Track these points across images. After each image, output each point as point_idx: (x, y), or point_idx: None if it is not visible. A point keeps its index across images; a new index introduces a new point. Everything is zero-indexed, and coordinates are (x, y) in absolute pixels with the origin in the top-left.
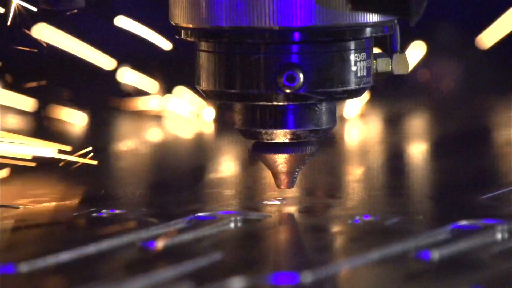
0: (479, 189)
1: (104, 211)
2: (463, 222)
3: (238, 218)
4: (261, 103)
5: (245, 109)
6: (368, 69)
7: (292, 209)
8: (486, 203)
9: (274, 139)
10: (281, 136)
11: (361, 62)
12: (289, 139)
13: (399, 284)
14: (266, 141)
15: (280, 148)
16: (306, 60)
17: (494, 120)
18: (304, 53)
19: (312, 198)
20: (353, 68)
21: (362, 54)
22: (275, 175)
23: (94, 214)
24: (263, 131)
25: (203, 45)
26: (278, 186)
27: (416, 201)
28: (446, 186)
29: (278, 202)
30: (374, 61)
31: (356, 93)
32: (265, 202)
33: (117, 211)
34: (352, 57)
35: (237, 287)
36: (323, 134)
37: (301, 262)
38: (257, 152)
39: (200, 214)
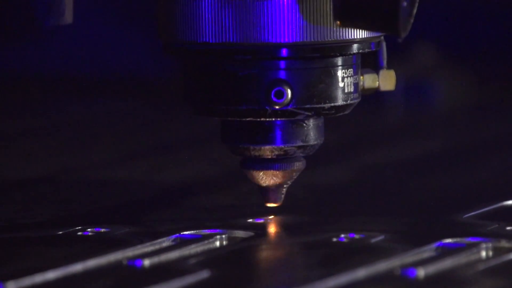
0: (463, 207)
1: (89, 229)
2: (448, 240)
3: (224, 236)
4: (249, 119)
5: (233, 125)
6: (356, 85)
7: (277, 227)
8: (470, 221)
9: (261, 155)
10: (269, 152)
11: (349, 78)
12: (277, 155)
13: None
14: (253, 157)
15: (267, 164)
16: (294, 76)
17: (479, 136)
18: (292, 69)
19: (297, 216)
20: (341, 84)
21: (349, 70)
22: (262, 190)
23: (79, 233)
24: (251, 147)
25: (191, 61)
26: (265, 201)
27: (400, 219)
28: (431, 203)
29: (262, 220)
30: (361, 77)
31: (344, 109)
32: (249, 220)
33: (102, 230)
34: (340, 73)
35: None
36: (311, 150)
37: (287, 280)
38: (245, 168)
39: (185, 232)
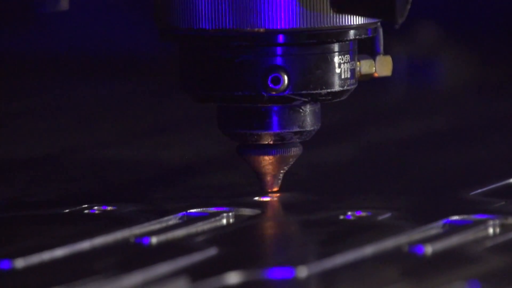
0: (470, 184)
1: (96, 207)
2: (455, 217)
3: (230, 214)
4: (246, 105)
5: (230, 111)
6: (352, 71)
7: (283, 204)
8: (477, 199)
9: (258, 141)
10: (266, 137)
11: (345, 64)
12: (274, 140)
13: (394, 279)
14: (250, 142)
15: (264, 149)
16: (291, 62)
17: (484, 114)
18: (289, 55)
19: (303, 194)
20: (337, 70)
21: (346, 56)
22: (260, 176)
23: (86, 211)
24: (248, 133)
25: (188, 48)
26: (262, 187)
27: (407, 197)
28: (437, 181)
29: (269, 198)
30: (358, 63)
31: (340, 94)
32: (256, 198)
33: (109, 208)
34: (336, 59)
35: (233, 282)
36: (307, 136)
37: (296, 257)
38: (242, 154)
39: (191, 210)
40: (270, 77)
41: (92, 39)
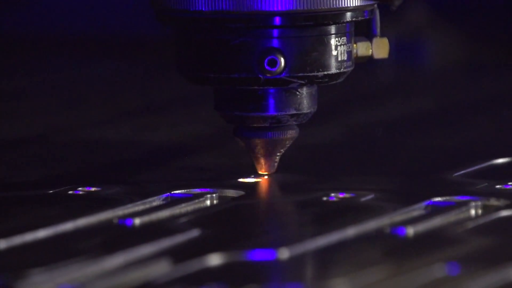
0: (453, 166)
1: (80, 188)
2: (438, 199)
3: (214, 195)
4: (242, 87)
5: (226, 94)
6: (349, 53)
7: (267, 186)
8: (460, 180)
9: (255, 123)
10: (262, 120)
11: (342, 46)
12: (270, 123)
13: (376, 260)
14: (247, 125)
15: (260, 132)
16: (287, 45)
17: (470, 96)
18: (285, 38)
19: (288, 175)
20: (334, 53)
21: (342, 38)
22: (256, 159)
23: (70, 192)
24: (244, 115)
25: (184, 30)
26: (258, 169)
27: (391, 178)
28: (422, 162)
29: (253, 179)
30: (355, 45)
31: (337, 77)
32: (240, 179)
33: (93, 189)
34: (333, 41)
35: (215, 263)
36: (304, 118)
37: (278, 239)
38: (238, 136)
39: (175, 191)
40: (266, 60)
41: (79, 18)
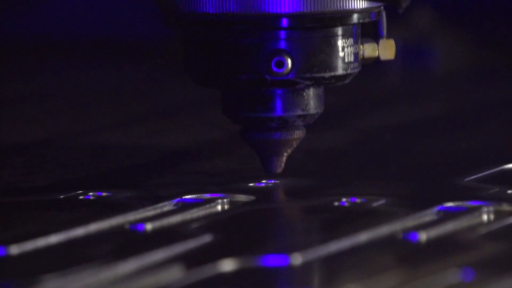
0: (464, 171)
1: (91, 193)
2: (449, 204)
3: (225, 200)
4: (250, 88)
5: (233, 95)
6: (356, 54)
7: (278, 190)
8: (471, 185)
9: (262, 124)
10: (269, 121)
11: (349, 48)
12: (277, 124)
13: (388, 266)
14: (254, 126)
15: (268, 132)
16: (294, 46)
17: (478, 100)
18: (292, 39)
19: (299, 180)
20: (341, 54)
21: (349, 40)
22: (263, 159)
23: (81, 197)
24: (251, 116)
25: (191, 32)
26: (265, 170)
27: (402, 183)
28: (433, 167)
29: (264, 185)
30: (361, 46)
31: (344, 78)
32: (251, 184)
33: (104, 194)
34: (340, 43)
35: (228, 269)
36: (311, 119)
37: (290, 244)
38: (245, 137)
39: (187, 196)
40: (273, 61)
41: (86, 22)
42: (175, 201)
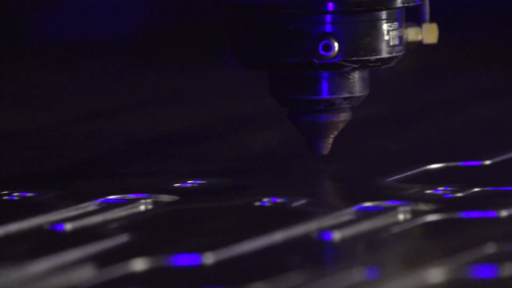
0: (388, 171)
1: (15, 193)
2: (367, 204)
3: (148, 200)
4: (297, 71)
5: (281, 78)
6: (400, 38)
7: (203, 191)
8: (392, 185)
9: (309, 106)
10: (316, 103)
11: (393, 31)
12: (324, 106)
13: (298, 264)
14: (300, 108)
15: (315, 115)
16: (341, 30)
17: (410, 102)
18: (339, 23)
19: (225, 180)
20: (386, 37)
21: (394, 23)
22: (310, 141)
23: (5, 197)
24: (299, 98)
25: (240, 17)
26: (312, 151)
27: (325, 183)
28: (357, 168)
29: (189, 185)
30: (405, 30)
31: (389, 61)
32: (176, 184)
33: (29, 194)
34: (385, 26)
35: (139, 268)
36: (356, 102)
37: (204, 244)
38: (293, 119)
39: (110, 196)
40: (321, 44)
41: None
42: (98, 201)
